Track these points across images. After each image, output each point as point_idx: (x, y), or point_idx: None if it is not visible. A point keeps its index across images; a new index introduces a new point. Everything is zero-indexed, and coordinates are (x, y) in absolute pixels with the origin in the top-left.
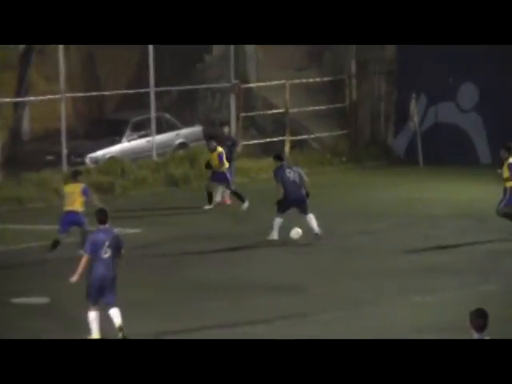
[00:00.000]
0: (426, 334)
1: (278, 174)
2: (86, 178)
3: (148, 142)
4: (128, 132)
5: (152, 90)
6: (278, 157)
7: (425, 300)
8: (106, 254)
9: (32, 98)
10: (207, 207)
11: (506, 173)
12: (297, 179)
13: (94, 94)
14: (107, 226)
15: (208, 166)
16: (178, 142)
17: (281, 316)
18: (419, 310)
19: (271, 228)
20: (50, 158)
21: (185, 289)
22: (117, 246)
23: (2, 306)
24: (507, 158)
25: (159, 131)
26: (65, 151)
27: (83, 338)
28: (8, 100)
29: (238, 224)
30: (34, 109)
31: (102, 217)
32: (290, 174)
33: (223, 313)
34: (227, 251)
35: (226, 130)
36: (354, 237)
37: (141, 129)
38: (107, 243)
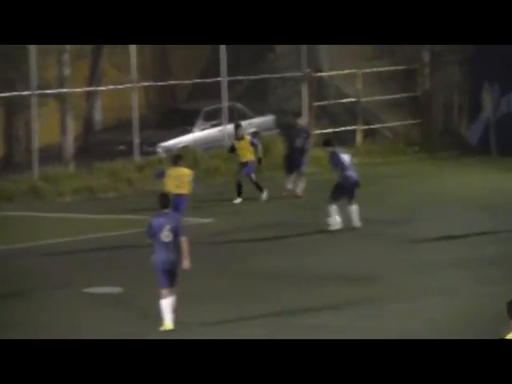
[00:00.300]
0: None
1: (334, 159)
2: (157, 168)
3: (220, 131)
4: (200, 121)
5: (224, 80)
6: (328, 142)
7: (494, 290)
8: (167, 237)
9: (104, 88)
10: (236, 201)
11: None
12: (352, 163)
13: (166, 83)
14: (169, 210)
15: (232, 150)
16: (249, 131)
17: (350, 306)
18: (488, 300)
19: (330, 216)
20: (121, 147)
21: (256, 278)
22: (177, 230)
23: (73, 295)
24: None
25: (231, 120)
26: (137, 141)
27: (156, 327)
28: (81, 90)
29: (308, 213)
30: (106, 99)
31: (164, 201)
32: (345, 157)
33: (292, 302)
34: (298, 240)
35: (300, 120)
36: (424, 226)
37: (213, 118)
38: (168, 227)
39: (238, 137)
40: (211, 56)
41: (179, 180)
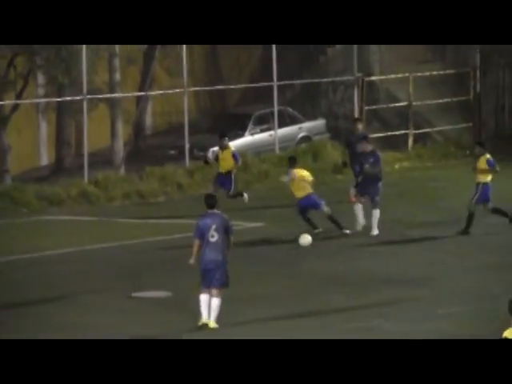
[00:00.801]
0: None
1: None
2: (208, 172)
3: (270, 135)
4: (251, 126)
5: (275, 84)
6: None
7: None
8: (214, 237)
9: (155, 93)
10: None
11: (483, 166)
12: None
13: (217, 87)
14: (215, 210)
15: (206, 162)
16: (300, 135)
17: (400, 309)
18: None
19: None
20: (172, 152)
21: (306, 281)
22: (225, 231)
23: (122, 299)
24: (483, 154)
25: (282, 125)
26: (187, 145)
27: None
28: (131, 95)
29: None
30: (156, 103)
31: (210, 202)
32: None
33: (342, 304)
34: (348, 244)
35: (359, 125)
36: (476, 230)
37: (263, 122)
38: (214, 227)
39: (222, 147)
40: (262, 60)
41: (301, 182)
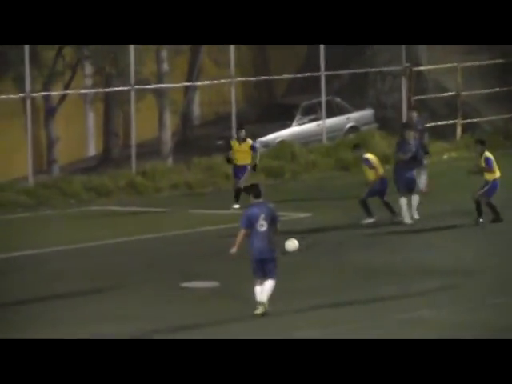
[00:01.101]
0: None
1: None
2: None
3: (318, 125)
4: (298, 116)
5: (322, 74)
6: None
7: None
8: (263, 227)
9: (203, 83)
10: (236, 206)
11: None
12: None
13: (264, 78)
14: (261, 200)
15: (230, 161)
16: (348, 125)
17: (447, 301)
18: None
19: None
20: (219, 142)
21: (355, 272)
22: (272, 220)
23: (171, 290)
24: (483, 152)
25: (329, 115)
26: (235, 136)
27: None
28: (179, 85)
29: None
30: (204, 93)
31: (257, 191)
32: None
33: (389, 296)
34: (396, 235)
35: (414, 114)
36: None
37: (311, 113)
38: (262, 216)
39: (239, 139)
40: (309, 50)
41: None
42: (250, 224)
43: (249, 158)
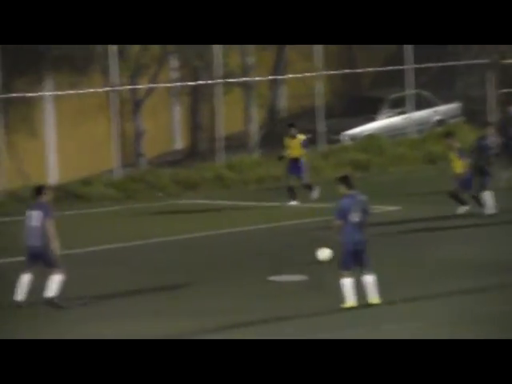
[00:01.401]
0: None
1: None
2: (342, 156)
3: (405, 119)
4: (385, 109)
5: (410, 67)
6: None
7: None
8: (357, 218)
9: (289, 76)
10: (292, 203)
11: None
12: None
13: (351, 71)
14: (354, 191)
15: (281, 158)
16: (435, 118)
17: None
18: None
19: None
20: (307, 135)
21: (440, 266)
22: (365, 211)
23: (259, 283)
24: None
25: (416, 108)
26: (321, 129)
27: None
28: (266, 78)
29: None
30: (290, 87)
31: (349, 182)
32: None
33: (469, 289)
34: (484, 229)
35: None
36: None
37: (398, 106)
38: (356, 207)
39: (291, 135)
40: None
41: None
42: (344, 215)
43: (300, 152)
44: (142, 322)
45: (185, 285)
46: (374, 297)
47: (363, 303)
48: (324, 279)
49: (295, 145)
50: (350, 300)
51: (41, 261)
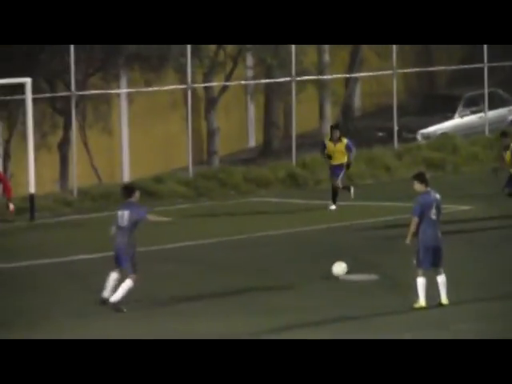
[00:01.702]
0: None
1: None
2: (416, 154)
3: (480, 118)
4: (460, 108)
5: (485, 66)
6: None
7: None
8: (434, 215)
9: (364, 74)
10: (332, 207)
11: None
12: None
13: (426, 69)
14: (429, 188)
15: (329, 157)
16: (510, 117)
17: None
18: None
19: None
20: (381, 134)
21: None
22: (439, 209)
23: (330, 282)
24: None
25: (492, 107)
26: (396, 127)
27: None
28: (340, 76)
29: None
30: (365, 85)
31: (425, 180)
32: None
33: None
34: None
35: None
36: None
37: (473, 104)
38: (434, 204)
39: (334, 138)
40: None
41: None
42: (422, 212)
43: (344, 157)
44: (215, 321)
45: (257, 283)
46: (445, 297)
47: (433, 303)
48: (395, 278)
49: (339, 149)
50: (422, 300)
51: (122, 261)
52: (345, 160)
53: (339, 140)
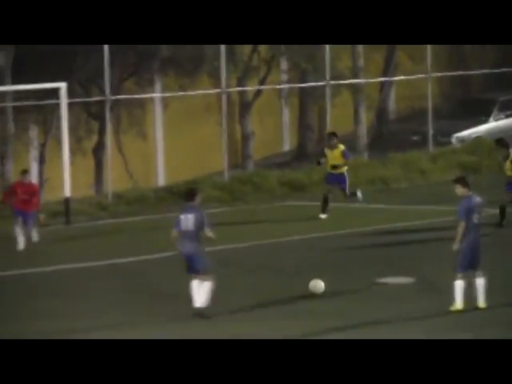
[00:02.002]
0: None
1: None
2: (451, 158)
3: None
4: (495, 112)
5: None
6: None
7: None
8: (477, 219)
9: (398, 78)
10: (322, 216)
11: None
12: None
13: (461, 73)
14: (471, 192)
15: (319, 163)
16: None
17: None
18: None
19: None
20: (415, 138)
21: None
22: (480, 213)
23: (367, 285)
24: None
25: None
26: (431, 131)
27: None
28: (375, 80)
29: None
30: (399, 88)
31: (467, 183)
32: None
33: None
34: None
35: None
36: None
37: (508, 108)
38: (477, 208)
39: (331, 145)
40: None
41: None
42: (467, 215)
43: (342, 164)
44: (266, 323)
45: (294, 286)
46: (483, 301)
47: (470, 306)
48: (431, 281)
49: (335, 155)
50: (459, 303)
51: (195, 265)
52: (345, 169)
53: (336, 146)
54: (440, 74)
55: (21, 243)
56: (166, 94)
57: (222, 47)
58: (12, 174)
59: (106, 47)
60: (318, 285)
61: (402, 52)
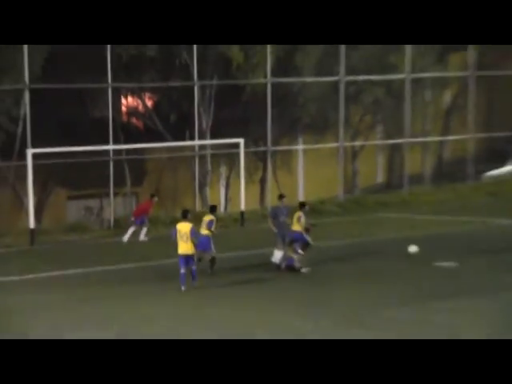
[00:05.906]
0: None
1: None
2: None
3: None
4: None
5: None
6: None
7: None
8: None
9: (452, 138)
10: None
11: None
12: None
13: (491, 134)
14: None
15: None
16: None
17: None
18: None
19: None
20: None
21: None
22: None
23: (425, 268)
24: None
25: None
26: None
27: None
28: (438, 139)
29: None
30: (451, 143)
31: None
32: None
33: None
34: None
35: None
36: None
37: None
38: None
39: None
40: None
41: None
42: None
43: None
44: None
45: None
46: None
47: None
48: (471, 267)
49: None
50: None
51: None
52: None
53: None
54: (479, 135)
55: None
56: (305, 146)
57: (341, 115)
58: (209, 197)
59: (269, 115)
60: (412, 249)
61: (456, 119)
